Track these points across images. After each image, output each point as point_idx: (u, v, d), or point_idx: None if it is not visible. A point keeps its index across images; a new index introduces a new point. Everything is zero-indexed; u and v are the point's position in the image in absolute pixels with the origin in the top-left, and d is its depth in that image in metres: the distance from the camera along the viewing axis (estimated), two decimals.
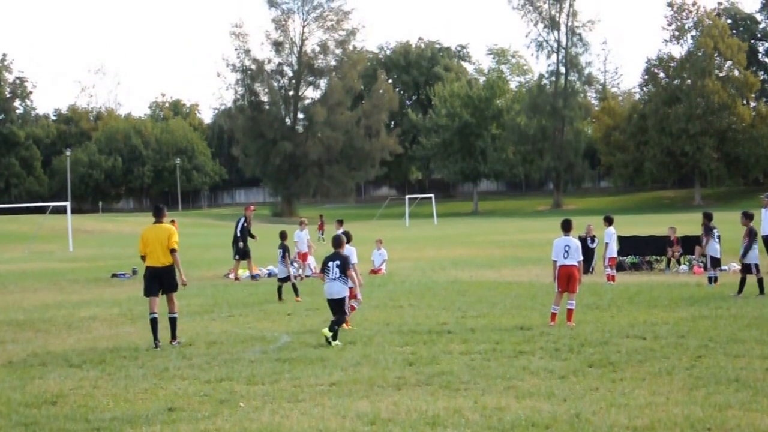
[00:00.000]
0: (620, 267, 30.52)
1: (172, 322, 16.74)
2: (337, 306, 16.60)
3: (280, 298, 24.07)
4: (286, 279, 24.40)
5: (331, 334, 15.95)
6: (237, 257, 31.85)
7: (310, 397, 11.82)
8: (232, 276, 31.87)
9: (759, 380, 11.90)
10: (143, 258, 16.92)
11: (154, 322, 16.47)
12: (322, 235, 58.88)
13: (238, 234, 31.78)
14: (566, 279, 17.75)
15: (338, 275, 16.63)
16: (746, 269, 22.07)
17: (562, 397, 11.30)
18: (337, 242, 17.23)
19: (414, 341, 16.01)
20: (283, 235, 25.41)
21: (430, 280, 28.35)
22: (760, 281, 21.68)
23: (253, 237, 32.20)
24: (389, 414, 10.72)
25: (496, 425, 10.11)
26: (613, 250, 27.04)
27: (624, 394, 11.40)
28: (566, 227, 18.12)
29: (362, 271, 31.27)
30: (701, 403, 10.76)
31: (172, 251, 16.62)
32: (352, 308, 17.92)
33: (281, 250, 24.58)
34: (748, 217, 22.70)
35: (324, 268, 16.92)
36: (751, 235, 22.24)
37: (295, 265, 29.63)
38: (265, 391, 12.29)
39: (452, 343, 15.74)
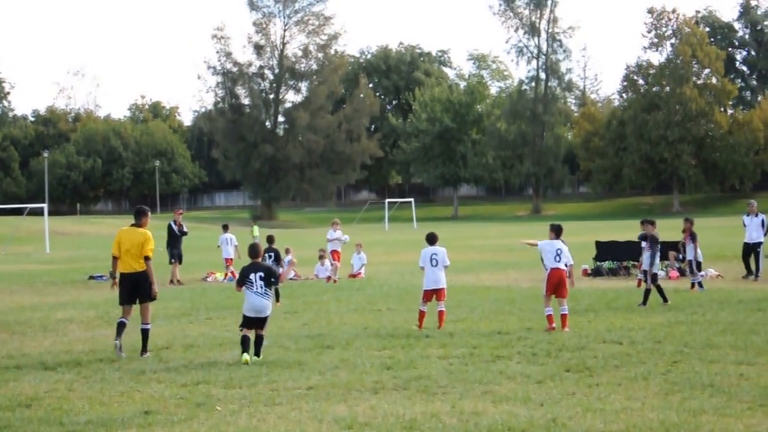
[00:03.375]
0: (598, 272, 30.68)
1: (144, 333, 15.79)
2: (260, 324, 15.03)
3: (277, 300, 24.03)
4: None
5: (258, 358, 14.71)
6: (173, 260, 31.99)
7: (287, 400, 11.80)
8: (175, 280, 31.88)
9: (733, 385, 11.97)
10: (115, 258, 16.04)
11: (121, 325, 15.73)
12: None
13: (178, 234, 32.20)
14: (557, 283, 17.81)
15: (263, 288, 15.02)
16: (654, 278, 21.72)
17: (538, 402, 11.33)
18: (253, 252, 15.57)
19: (392, 345, 16.02)
20: (270, 239, 25.42)
21: (408, 284, 28.34)
22: (649, 291, 21.38)
23: (185, 233, 32.61)
24: (366, 418, 10.73)
25: (473, 430, 10.13)
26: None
27: (600, 398, 11.45)
28: (557, 231, 18.27)
29: (342, 275, 31.52)
30: (676, 408, 10.81)
31: (146, 259, 15.77)
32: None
33: (272, 254, 24.46)
34: (651, 223, 22.51)
35: (243, 280, 15.14)
36: (653, 243, 21.94)
37: (336, 265, 31.25)
38: (242, 394, 12.26)
39: (430, 347, 15.76)
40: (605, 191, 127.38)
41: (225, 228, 34.73)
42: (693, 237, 25.45)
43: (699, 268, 25.36)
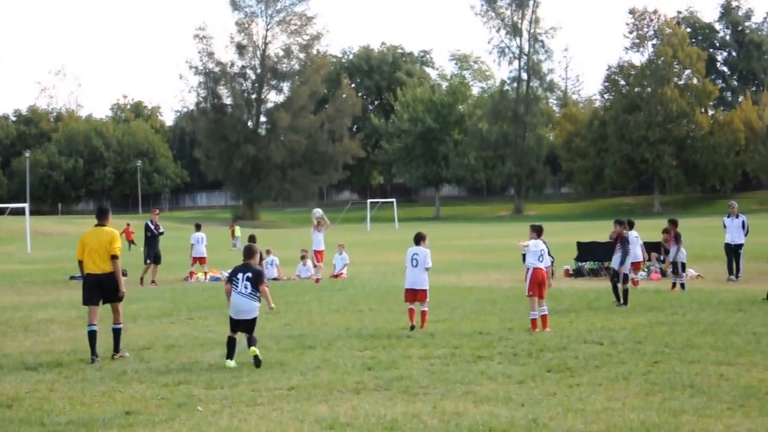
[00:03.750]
0: (579, 273, 30.76)
1: (116, 333, 15.47)
2: (247, 327, 14.60)
3: None
4: None
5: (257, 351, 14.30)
6: (148, 261, 31.97)
7: (268, 401, 11.81)
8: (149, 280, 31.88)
9: (713, 386, 12.03)
10: (80, 263, 15.67)
11: (92, 335, 15.16)
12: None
13: (155, 234, 32.17)
14: (539, 282, 17.85)
15: (249, 290, 14.65)
16: (625, 279, 21.85)
17: (519, 402, 11.37)
18: (247, 253, 15.27)
19: (373, 346, 16.03)
20: (252, 239, 25.60)
21: (390, 285, 28.36)
22: (625, 291, 21.49)
23: (161, 233, 32.54)
24: (348, 418, 10.74)
25: (454, 430, 10.16)
26: (638, 255, 25.97)
27: (581, 399, 11.49)
28: (539, 231, 18.33)
29: (324, 275, 31.53)
30: (656, 408, 10.87)
31: (113, 257, 15.37)
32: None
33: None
34: (621, 224, 22.57)
35: (231, 279, 14.93)
36: (624, 243, 22.03)
37: (319, 265, 31.32)
38: (223, 395, 12.26)
39: (412, 347, 15.78)
40: (587, 192, 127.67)
41: (197, 227, 34.84)
42: (677, 238, 25.53)
43: (683, 269, 25.44)
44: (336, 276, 32.36)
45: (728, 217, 28.93)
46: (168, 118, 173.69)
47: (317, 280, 30.56)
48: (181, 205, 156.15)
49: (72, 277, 33.82)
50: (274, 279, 31.70)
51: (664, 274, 28.59)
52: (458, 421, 10.46)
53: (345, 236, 52.55)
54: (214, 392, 12.43)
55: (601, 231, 52.10)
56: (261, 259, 24.97)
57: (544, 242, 18.50)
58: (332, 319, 20.12)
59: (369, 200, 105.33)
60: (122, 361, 15.01)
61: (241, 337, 14.59)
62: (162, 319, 20.97)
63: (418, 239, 18.88)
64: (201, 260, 33.75)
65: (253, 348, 14.25)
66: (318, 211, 32.61)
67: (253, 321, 14.63)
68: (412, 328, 17.97)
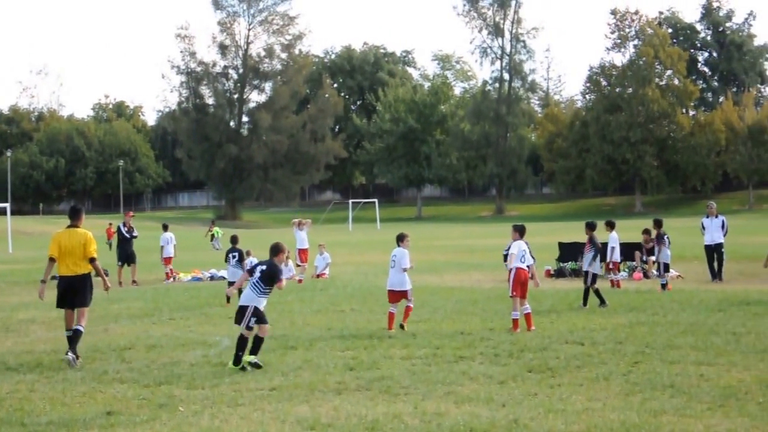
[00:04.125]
0: (561, 273, 30.83)
1: (77, 333, 14.91)
2: (240, 314, 14.43)
3: (228, 301, 24.12)
4: None
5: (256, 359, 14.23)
6: (121, 262, 31.94)
7: (250, 401, 11.80)
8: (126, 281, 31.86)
9: (693, 386, 12.08)
10: (52, 260, 15.20)
11: (70, 339, 14.96)
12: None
13: (127, 237, 32.14)
14: (523, 282, 17.88)
15: (258, 283, 14.44)
16: (594, 279, 21.94)
17: (500, 403, 11.39)
18: (274, 250, 14.89)
19: (355, 346, 16.04)
20: (234, 240, 25.63)
21: (372, 285, 28.40)
22: (597, 291, 21.57)
23: (134, 237, 32.44)
24: (329, 419, 10.75)
25: (435, 430, 10.17)
26: (617, 255, 26.22)
27: (562, 399, 11.52)
28: (521, 232, 18.35)
29: (306, 275, 31.49)
30: (637, 408, 10.90)
31: (92, 260, 15.08)
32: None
33: (236, 254, 24.82)
34: (590, 227, 22.63)
35: (251, 272, 14.80)
36: (593, 244, 22.09)
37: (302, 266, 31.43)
38: (204, 395, 12.24)
39: (393, 347, 15.79)
40: (568, 192, 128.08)
41: (165, 228, 34.99)
42: (660, 239, 25.61)
43: (667, 270, 25.51)
44: (319, 276, 32.35)
45: (707, 217, 28.98)
46: (150, 118, 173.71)
47: (300, 281, 30.50)
48: (163, 205, 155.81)
49: (53, 277, 33.72)
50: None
51: (646, 274, 28.69)
52: (439, 422, 10.47)
53: (327, 236, 52.55)
54: (195, 393, 12.42)
55: (582, 232, 52.19)
56: (242, 259, 25.02)
57: (526, 243, 18.52)
58: (314, 320, 20.12)
59: (351, 200, 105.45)
60: (103, 362, 14.96)
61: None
62: (143, 319, 20.93)
63: (399, 240, 18.85)
64: (167, 260, 33.67)
65: (249, 358, 14.16)
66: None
67: (253, 312, 14.24)
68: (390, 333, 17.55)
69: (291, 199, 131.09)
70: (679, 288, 25.29)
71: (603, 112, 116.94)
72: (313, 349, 15.80)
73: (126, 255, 31.82)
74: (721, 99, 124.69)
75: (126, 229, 32.26)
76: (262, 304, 14.44)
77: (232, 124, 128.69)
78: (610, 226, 25.24)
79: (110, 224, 59.92)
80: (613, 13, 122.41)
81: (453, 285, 28.07)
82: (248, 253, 33.55)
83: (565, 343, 15.82)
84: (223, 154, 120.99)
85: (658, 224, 26.39)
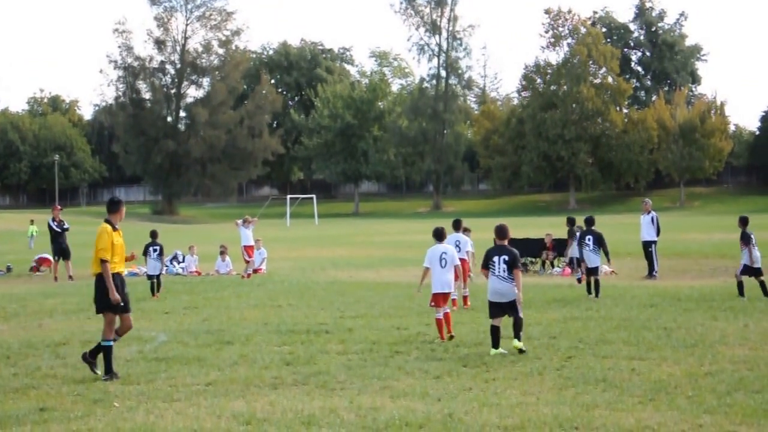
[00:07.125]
0: None
1: (97, 346, 13.38)
2: (506, 309, 14.74)
3: (153, 294, 24.34)
4: (157, 276, 24.96)
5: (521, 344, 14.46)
6: (56, 257, 31.83)
7: (185, 396, 11.79)
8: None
9: (625, 380, 12.27)
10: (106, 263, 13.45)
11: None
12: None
13: (58, 231, 31.92)
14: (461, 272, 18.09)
15: (504, 272, 14.68)
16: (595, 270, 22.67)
17: (436, 397, 11.49)
18: (501, 233, 15.44)
19: (292, 341, 16.07)
20: (154, 234, 25.84)
21: (309, 280, 28.42)
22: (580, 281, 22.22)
23: (66, 229, 32.25)
24: (265, 414, 10.77)
25: (370, 425, 10.24)
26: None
27: (496, 393, 11.65)
28: (455, 226, 18.73)
29: (240, 271, 31.40)
30: (570, 402, 11.06)
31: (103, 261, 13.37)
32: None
33: (156, 248, 25.06)
34: (571, 222, 23.37)
35: (487, 264, 14.88)
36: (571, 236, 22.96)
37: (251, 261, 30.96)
38: (140, 390, 12.20)
39: (330, 343, 15.85)
40: (504, 189, 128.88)
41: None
42: (572, 235, 26.40)
43: (578, 265, 25.73)
44: (255, 271, 32.26)
45: (645, 213, 29.34)
46: (86, 112, 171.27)
47: (248, 275, 30.28)
48: (100, 200, 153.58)
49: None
50: (193, 273, 32.19)
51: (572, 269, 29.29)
52: (375, 416, 10.54)
53: (265, 232, 52.38)
54: (130, 388, 12.37)
55: (518, 228, 52.67)
56: (163, 253, 25.60)
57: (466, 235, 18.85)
58: (251, 315, 20.11)
59: (289, 196, 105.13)
60: (37, 357, 14.83)
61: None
62: (79, 315, 20.79)
63: (441, 236, 17.09)
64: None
65: (515, 341, 14.51)
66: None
67: (512, 303, 14.65)
68: (452, 337, 16.20)
69: (229, 194, 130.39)
70: (611, 284, 25.61)
71: (538, 110, 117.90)
72: (250, 344, 15.80)
73: (61, 250, 31.55)
74: (654, 97, 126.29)
75: (56, 223, 31.99)
76: None
77: (169, 119, 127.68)
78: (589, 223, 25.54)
79: (32, 221, 58.74)
80: (547, 12, 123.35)
81: (390, 280, 28.19)
82: (191, 249, 33.81)
83: (500, 338, 15.94)
84: (160, 149, 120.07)
85: (570, 222, 27.27)
